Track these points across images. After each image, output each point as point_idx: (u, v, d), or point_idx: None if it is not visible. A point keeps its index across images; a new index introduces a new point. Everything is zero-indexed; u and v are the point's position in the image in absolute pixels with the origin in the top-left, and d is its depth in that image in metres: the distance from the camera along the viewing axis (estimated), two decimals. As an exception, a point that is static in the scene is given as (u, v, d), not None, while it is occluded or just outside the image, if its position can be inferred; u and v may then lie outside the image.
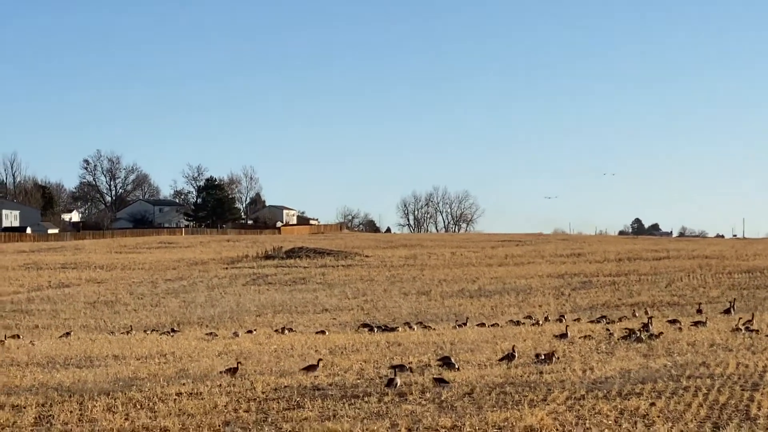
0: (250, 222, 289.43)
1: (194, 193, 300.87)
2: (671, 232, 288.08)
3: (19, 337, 67.67)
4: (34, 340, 63.16)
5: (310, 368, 40.20)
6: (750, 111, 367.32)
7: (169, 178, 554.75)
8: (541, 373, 38.10)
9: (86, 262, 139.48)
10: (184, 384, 38.81)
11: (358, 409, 32.21)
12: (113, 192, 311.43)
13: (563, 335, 51.34)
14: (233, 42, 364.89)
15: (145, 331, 70.94)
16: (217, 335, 63.91)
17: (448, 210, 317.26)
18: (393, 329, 64.01)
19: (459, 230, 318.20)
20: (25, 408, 34.48)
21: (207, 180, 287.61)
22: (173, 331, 68.81)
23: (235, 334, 63.50)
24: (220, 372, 40.78)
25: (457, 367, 39.97)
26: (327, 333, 63.64)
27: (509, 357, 42.50)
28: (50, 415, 33.06)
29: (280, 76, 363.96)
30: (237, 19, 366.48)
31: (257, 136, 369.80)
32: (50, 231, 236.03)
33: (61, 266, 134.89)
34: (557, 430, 27.60)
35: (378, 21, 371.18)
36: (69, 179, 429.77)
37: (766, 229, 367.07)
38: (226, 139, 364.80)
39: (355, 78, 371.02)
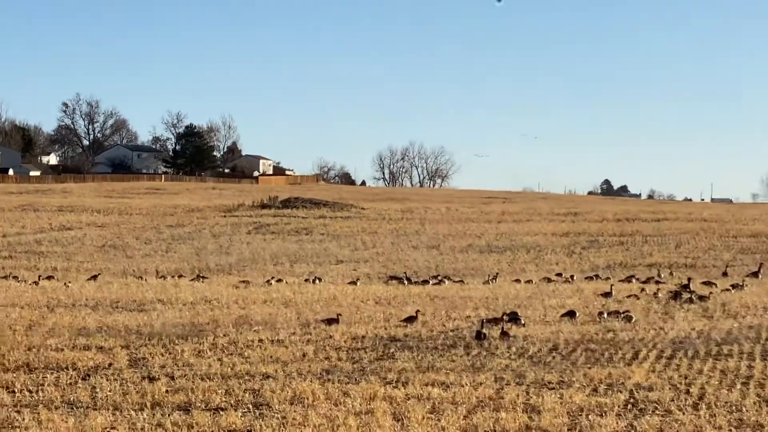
0: (227, 171, 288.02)
1: (173, 140, 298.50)
2: (640, 194, 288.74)
3: (52, 278, 67.61)
4: (68, 282, 63.01)
5: (410, 319, 40.53)
6: (719, 75, 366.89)
7: (147, 124, 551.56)
8: (611, 330, 38.41)
9: (81, 206, 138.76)
10: (256, 330, 38.97)
11: (453, 361, 32.50)
12: (91, 136, 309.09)
13: (607, 294, 51.72)
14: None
15: (172, 276, 70.89)
16: (249, 282, 63.97)
17: (424, 165, 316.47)
18: (424, 282, 64.11)
19: (434, 185, 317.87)
20: (111, 350, 34.59)
21: (186, 127, 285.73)
22: (201, 277, 68.77)
23: (268, 283, 63.55)
24: (320, 320, 40.80)
25: (523, 323, 40.24)
26: (358, 284, 63.74)
27: (571, 314, 42.82)
28: (143, 358, 33.20)
29: (261, 28, 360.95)
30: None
31: (235, 85, 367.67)
32: (32, 173, 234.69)
33: (58, 209, 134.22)
34: (669, 388, 27.84)
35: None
36: (47, 122, 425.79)
37: (733, 194, 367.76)
38: (204, 87, 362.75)
39: (333, 30, 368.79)
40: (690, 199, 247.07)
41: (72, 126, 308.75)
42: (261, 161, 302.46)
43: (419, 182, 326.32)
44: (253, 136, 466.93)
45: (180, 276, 71.12)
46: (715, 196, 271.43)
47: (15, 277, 67.74)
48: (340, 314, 41.59)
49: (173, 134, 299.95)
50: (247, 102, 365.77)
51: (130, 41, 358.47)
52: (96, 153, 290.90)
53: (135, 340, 36.74)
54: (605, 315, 42.24)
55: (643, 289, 54.62)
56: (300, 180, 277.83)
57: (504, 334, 37.15)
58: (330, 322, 40.05)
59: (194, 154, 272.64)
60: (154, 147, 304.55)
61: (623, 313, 42.36)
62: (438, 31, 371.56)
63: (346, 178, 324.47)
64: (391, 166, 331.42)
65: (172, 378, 29.61)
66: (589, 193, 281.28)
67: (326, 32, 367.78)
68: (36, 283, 63.12)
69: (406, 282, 64.69)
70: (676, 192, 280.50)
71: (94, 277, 67.31)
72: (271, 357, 33.26)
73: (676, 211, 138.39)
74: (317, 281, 65.40)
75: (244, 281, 65.05)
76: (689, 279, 56.73)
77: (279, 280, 65.47)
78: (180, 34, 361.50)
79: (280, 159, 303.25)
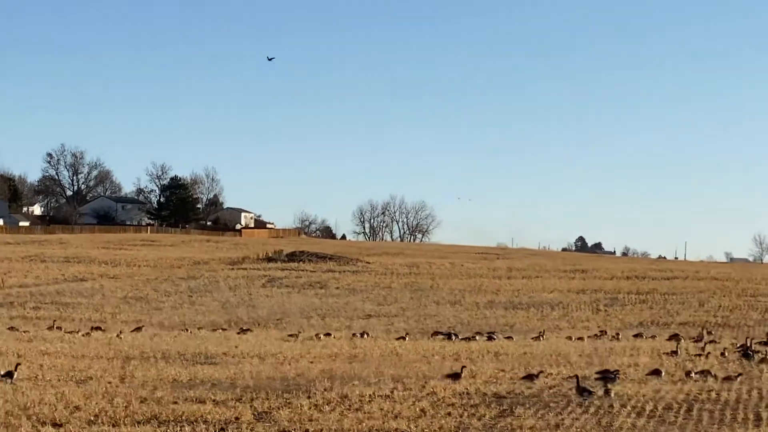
0: (209, 223, 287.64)
1: (157, 191, 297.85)
2: (614, 251, 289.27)
3: (100, 329, 67.39)
4: (119, 334, 62.83)
5: (455, 376, 40.50)
6: (691, 135, 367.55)
7: (130, 176, 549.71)
8: (710, 390, 38.50)
9: (87, 257, 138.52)
10: (354, 385, 38.87)
11: (577, 419, 32.44)
12: (75, 187, 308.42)
13: (674, 352, 51.92)
14: (197, 44, 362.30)
15: (213, 329, 70.80)
16: (297, 336, 64.02)
17: (405, 220, 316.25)
18: (472, 338, 64.11)
19: (414, 240, 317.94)
20: (224, 402, 34.44)
21: (171, 179, 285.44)
22: (244, 330, 68.73)
23: (317, 337, 63.57)
24: (445, 375, 40.86)
25: (615, 380, 40.27)
26: (407, 339, 63.72)
27: (656, 372, 42.95)
28: (265, 412, 33.06)
29: (242, 79, 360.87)
30: (201, 19, 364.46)
31: (217, 137, 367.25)
32: (21, 223, 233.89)
33: (65, 259, 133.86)
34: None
35: (341, 27, 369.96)
36: (30, 172, 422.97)
37: (705, 252, 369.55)
38: (187, 139, 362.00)
39: (314, 84, 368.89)
40: (664, 257, 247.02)
41: (56, 177, 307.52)
42: (243, 214, 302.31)
43: (399, 237, 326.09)
44: (233, 189, 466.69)
45: (223, 329, 70.92)
46: (688, 254, 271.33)
47: (59, 328, 67.38)
48: (465, 366, 41.92)
49: (157, 186, 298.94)
50: (228, 154, 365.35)
51: (115, 92, 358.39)
52: (79, 204, 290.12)
53: (242, 394, 36.54)
54: (693, 374, 42.32)
55: (703, 349, 54.85)
56: (282, 233, 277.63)
57: (607, 391, 37.23)
58: (453, 377, 40.21)
59: (179, 206, 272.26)
60: (137, 198, 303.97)
61: (709, 372, 42.52)
62: (417, 84, 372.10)
63: (327, 232, 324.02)
64: (372, 221, 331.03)
65: (310, 432, 29.54)
66: (563, 249, 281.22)
67: (306, 85, 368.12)
68: (88, 334, 62.90)
69: (453, 338, 64.67)
70: (650, 250, 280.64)
71: (138, 329, 67.11)
72: (390, 412, 33.17)
73: (684, 269, 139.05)
74: (365, 336, 65.37)
75: (292, 335, 65.03)
76: (747, 339, 57.04)
77: (327, 334, 65.42)
78: (163, 85, 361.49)
79: (261, 212, 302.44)
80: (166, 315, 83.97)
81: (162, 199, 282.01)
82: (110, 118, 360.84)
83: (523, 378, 40.81)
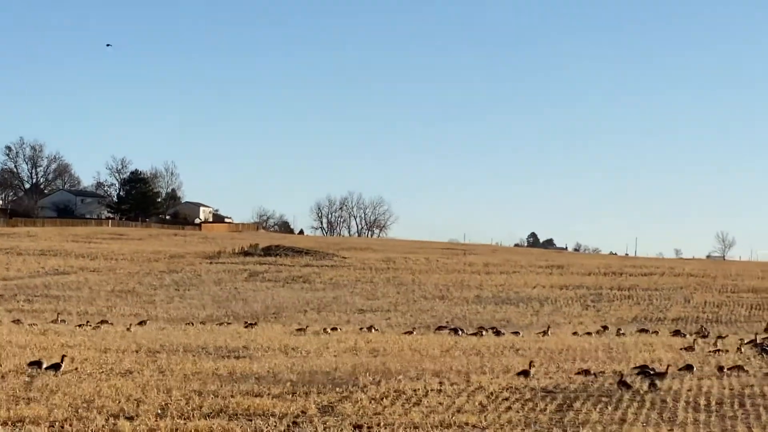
0: (167, 217, 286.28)
1: (117, 185, 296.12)
2: (566, 247, 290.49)
3: (106, 322, 67.13)
4: (129, 327, 62.67)
5: (524, 373, 40.66)
6: (641, 133, 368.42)
7: (90, 169, 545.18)
8: (750, 385, 38.98)
9: (62, 250, 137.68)
10: (399, 380, 39.00)
11: (637, 413, 32.76)
12: (34, 180, 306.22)
13: (690, 348, 52.54)
14: (157, 36, 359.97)
15: (219, 324, 70.69)
16: (304, 330, 64.22)
17: (362, 215, 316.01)
18: (477, 333, 64.36)
19: (372, 235, 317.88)
20: (281, 396, 34.47)
21: (132, 173, 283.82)
22: (250, 324, 68.72)
23: (325, 331, 63.71)
24: (517, 374, 40.68)
25: (664, 376, 40.60)
26: (415, 333, 63.97)
27: (689, 368, 43.37)
28: (328, 405, 33.13)
29: (199, 72, 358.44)
30: (160, 11, 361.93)
31: (175, 131, 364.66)
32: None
33: (41, 253, 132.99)
34: None
35: (300, 19, 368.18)
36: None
37: (655, 248, 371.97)
38: (146, 133, 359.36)
39: (273, 77, 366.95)
40: (615, 253, 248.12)
41: (15, 170, 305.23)
42: (201, 208, 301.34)
43: (357, 232, 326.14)
44: (191, 183, 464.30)
45: (228, 323, 70.86)
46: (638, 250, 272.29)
47: (63, 321, 67.05)
48: (533, 363, 42.23)
49: (117, 180, 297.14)
50: (185, 148, 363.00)
51: (74, 85, 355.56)
52: (38, 197, 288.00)
53: (294, 388, 36.56)
54: (726, 370, 42.85)
55: (715, 344, 55.60)
56: (241, 228, 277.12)
57: (652, 385, 37.62)
58: (524, 374, 40.37)
59: (139, 200, 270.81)
60: (96, 192, 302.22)
61: (741, 368, 43.08)
62: (372, 78, 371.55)
63: (285, 227, 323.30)
64: (330, 216, 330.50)
65: (383, 426, 29.57)
66: (516, 245, 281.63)
67: (263, 79, 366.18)
68: (98, 327, 62.66)
69: (460, 332, 64.94)
70: (601, 246, 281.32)
71: (143, 323, 67.00)
72: (451, 407, 33.36)
73: (658, 265, 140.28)
74: (373, 330, 65.58)
75: (300, 329, 65.15)
76: (756, 334, 57.84)
77: (334, 329, 65.55)
78: (122, 78, 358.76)
79: (218, 206, 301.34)
80: (163, 309, 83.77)
81: (122, 193, 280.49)
82: (69, 111, 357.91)
83: (577, 374, 41.13)
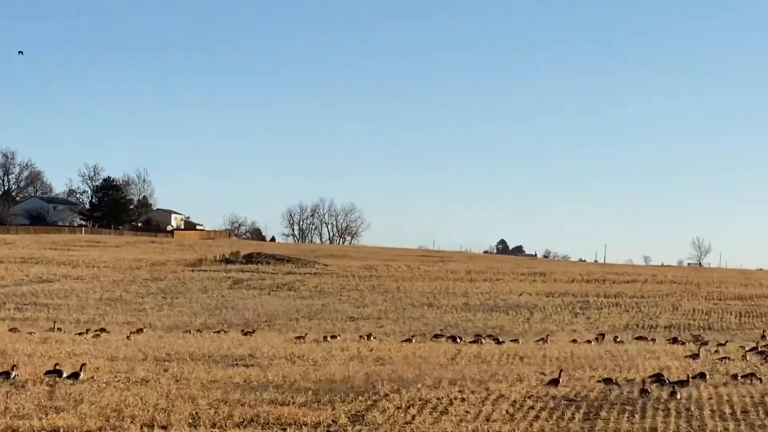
0: (139, 224, 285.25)
1: (89, 192, 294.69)
2: (536, 254, 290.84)
3: (105, 330, 66.77)
4: (129, 335, 62.40)
5: (554, 382, 40.66)
6: (610, 140, 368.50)
7: (62, 176, 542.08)
8: None
9: (43, 258, 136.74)
10: (419, 389, 38.96)
11: (666, 422, 32.85)
12: (6, 187, 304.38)
13: (695, 356, 52.71)
14: (130, 45, 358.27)
15: (216, 332, 70.42)
16: (303, 338, 64.17)
17: (334, 222, 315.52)
18: (475, 341, 64.39)
19: (344, 242, 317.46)
20: (307, 405, 34.34)
21: (104, 180, 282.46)
22: (248, 332, 68.58)
23: (324, 339, 63.67)
24: (544, 384, 40.73)
25: (687, 384, 40.74)
26: (413, 341, 63.95)
27: (702, 376, 43.51)
28: (357, 414, 33.14)
29: (171, 80, 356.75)
30: (134, 20, 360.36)
31: (146, 138, 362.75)
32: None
33: (21, 260, 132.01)
34: None
35: (267, 28, 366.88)
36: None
37: (624, 255, 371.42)
38: (118, 140, 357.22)
39: (243, 85, 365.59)
40: (584, 260, 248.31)
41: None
42: (173, 215, 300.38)
43: (329, 239, 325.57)
44: (162, 190, 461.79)
45: (225, 332, 70.61)
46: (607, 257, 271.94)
47: (59, 329, 66.66)
48: (562, 370, 42.31)
49: (90, 187, 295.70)
50: (156, 155, 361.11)
51: (46, 92, 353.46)
52: (11, 204, 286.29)
53: (316, 396, 36.45)
54: (739, 377, 43.05)
55: (717, 352, 55.88)
56: (213, 235, 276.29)
57: (673, 393, 37.81)
58: (554, 383, 40.50)
59: (112, 207, 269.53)
60: (69, 199, 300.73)
61: (753, 375, 43.32)
62: (344, 86, 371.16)
63: (257, 234, 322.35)
64: (301, 223, 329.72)
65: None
66: (485, 252, 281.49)
67: (235, 87, 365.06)
68: (97, 335, 62.35)
69: (458, 340, 65.00)
70: (570, 253, 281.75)
71: (140, 331, 66.73)
72: (478, 415, 33.36)
73: (640, 273, 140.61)
74: (371, 338, 65.53)
75: (299, 337, 65.07)
76: (757, 342, 58.08)
77: (333, 337, 65.52)
78: (94, 84, 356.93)
79: (189, 213, 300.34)
80: (155, 317, 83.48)
81: (95, 200, 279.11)
82: (41, 118, 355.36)
83: (599, 381, 41.21)
